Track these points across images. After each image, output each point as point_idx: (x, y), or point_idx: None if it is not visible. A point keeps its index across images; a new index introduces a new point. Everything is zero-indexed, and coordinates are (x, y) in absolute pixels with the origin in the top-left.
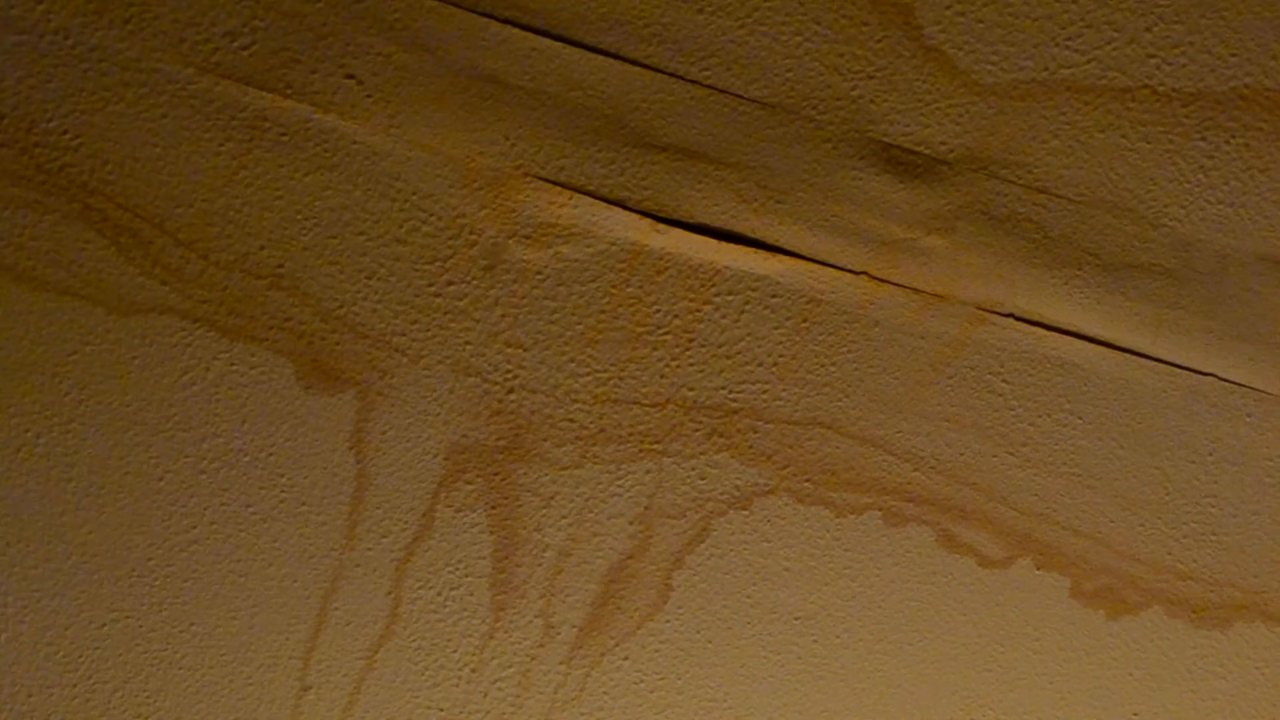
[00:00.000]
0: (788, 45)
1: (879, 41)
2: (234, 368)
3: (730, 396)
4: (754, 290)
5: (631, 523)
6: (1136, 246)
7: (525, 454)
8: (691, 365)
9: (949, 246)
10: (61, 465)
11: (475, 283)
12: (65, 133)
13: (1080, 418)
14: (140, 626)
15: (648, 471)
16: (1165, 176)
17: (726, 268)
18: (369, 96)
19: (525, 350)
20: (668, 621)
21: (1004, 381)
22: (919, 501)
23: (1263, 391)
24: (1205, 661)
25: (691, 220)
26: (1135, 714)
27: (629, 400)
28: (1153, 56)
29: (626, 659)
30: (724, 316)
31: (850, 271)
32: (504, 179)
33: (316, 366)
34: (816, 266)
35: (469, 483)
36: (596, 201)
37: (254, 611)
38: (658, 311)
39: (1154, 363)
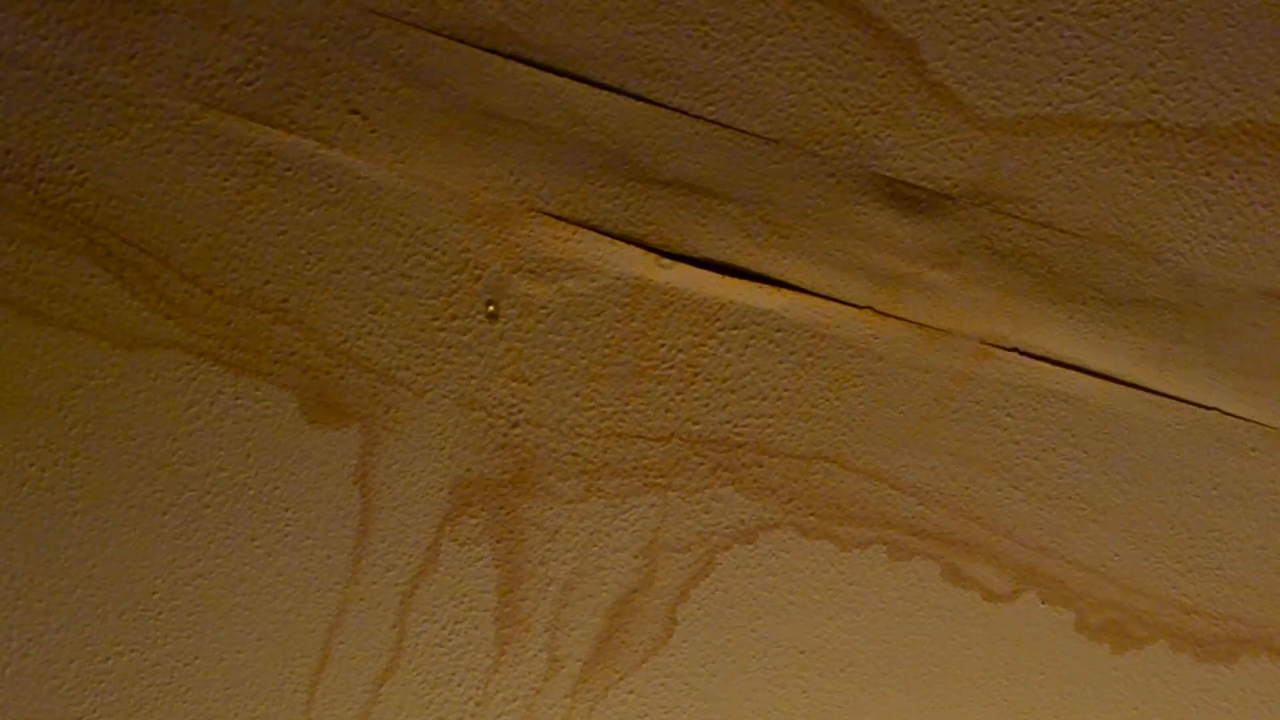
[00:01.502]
0: (792, 80)
1: (883, 77)
2: (239, 402)
3: (735, 431)
4: (758, 325)
5: (636, 556)
6: (1140, 281)
7: (530, 488)
8: (696, 399)
9: (953, 281)
10: (66, 499)
11: (479, 317)
12: (70, 168)
13: (1085, 452)
14: (145, 660)
15: (652, 505)
16: (1169, 211)
17: (731, 302)
18: (373, 132)
19: (530, 384)
20: (672, 655)
21: (1008, 416)
22: (924, 536)
23: (1267, 425)
24: (1210, 695)
25: (696, 255)
26: None
27: (634, 434)
28: (1156, 92)
29: (631, 693)
30: (728, 351)
31: (855, 306)
32: (508, 214)
33: (321, 401)
34: (821, 301)
35: (473, 516)
36: (601, 236)
37: (259, 645)
38: (662, 346)
39: (1158, 397)
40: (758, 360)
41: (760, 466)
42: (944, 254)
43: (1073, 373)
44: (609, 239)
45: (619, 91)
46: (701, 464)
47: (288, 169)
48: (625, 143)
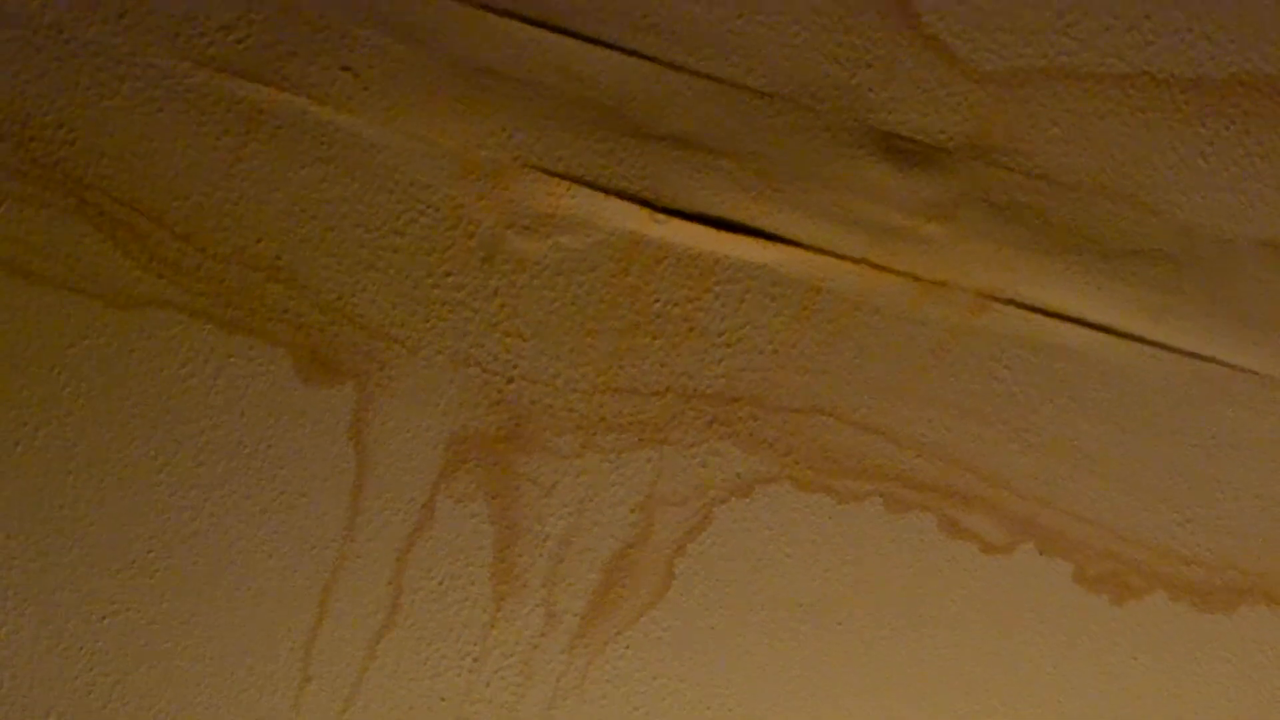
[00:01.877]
0: (785, 34)
1: (877, 30)
2: (232, 360)
3: (731, 385)
4: (754, 279)
5: (633, 511)
6: (1137, 233)
7: (525, 444)
8: (691, 354)
9: (949, 234)
10: (60, 459)
11: (474, 273)
12: (61, 127)
13: (1082, 403)
14: (141, 619)
15: (648, 460)
16: (1165, 163)
17: (726, 257)
18: (365, 89)
19: (525, 340)
20: (670, 610)
21: (1005, 368)
22: (921, 488)
23: (1265, 375)
24: (1210, 645)
25: (690, 210)
26: (1140, 698)
27: (629, 389)
28: (1152, 43)
29: (629, 647)
30: (724, 305)
31: (850, 259)
32: (502, 170)
33: (315, 358)
34: (816, 255)
35: (469, 473)
36: (595, 192)
37: (255, 603)
38: (657, 301)
39: (1155, 348)
40: (753, 315)
41: (756, 420)
42: (940, 207)
43: (1070, 325)
44: (603, 194)
45: (613, 47)
46: (697, 418)
47: (279, 127)
48: (619, 98)
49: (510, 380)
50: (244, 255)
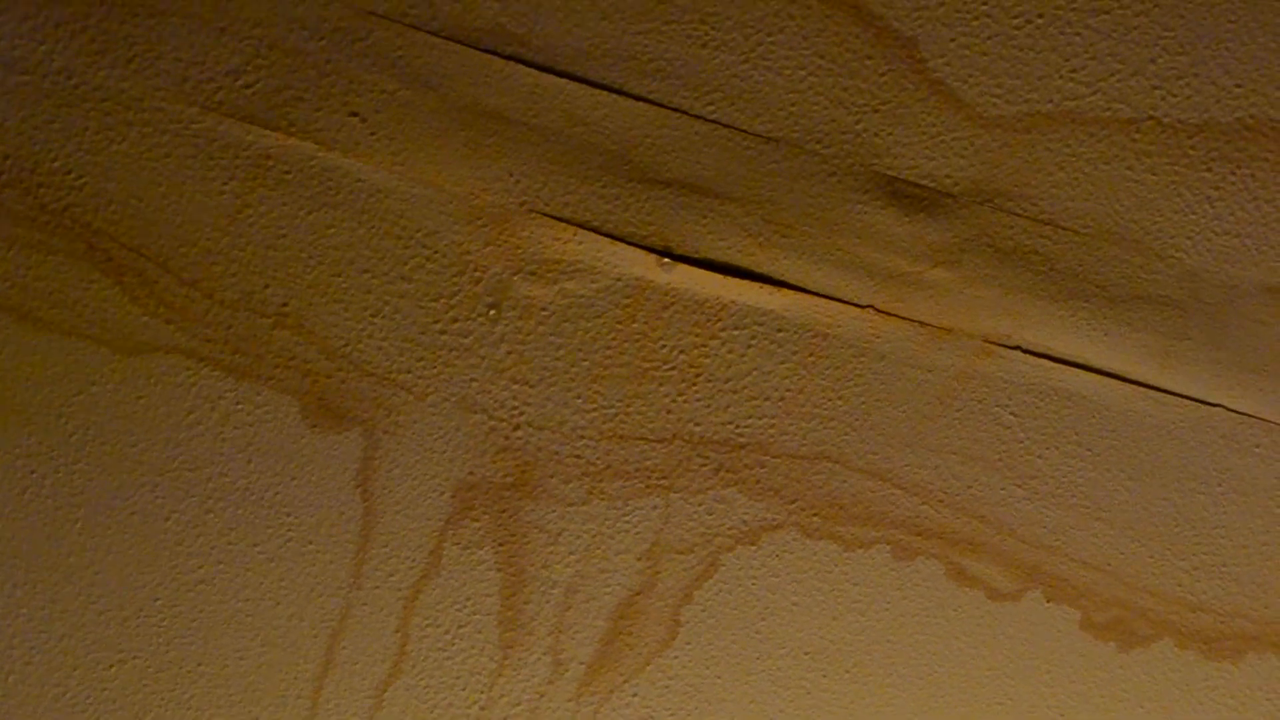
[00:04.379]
0: (792, 79)
1: (883, 75)
2: (239, 406)
3: (737, 431)
4: (760, 325)
5: (639, 559)
6: (1143, 278)
7: (532, 491)
8: (698, 400)
9: (955, 279)
10: (67, 506)
11: (480, 319)
12: (69, 172)
13: (1088, 449)
14: (148, 667)
15: (655, 507)
16: (1171, 208)
17: (732, 303)
18: (373, 134)
19: (531, 386)
20: (676, 658)
21: (1011, 414)
22: (927, 535)
23: (1271, 422)
24: (1217, 693)
25: (697, 255)
26: None
27: (635, 436)
28: (1158, 88)
29: (635, 695)
30: (730, 351)
31: (856, 305)
32: (508, 215)
33: (322, 405)
34: (822, 301)
35: (476, 520)
36: (601, 237)
37: (262, 651)
38: (663, 347)
39: (1161, 394)
40: (759, 361)
41: (763, 467)
42: (946, 252)
43: (1076, 370)
44: (609, 240)
45: (618, 92)
46: (704, 465)
47: (287, 172)
48: (625, 143)
49: (516, 427)
50: (250, 301)
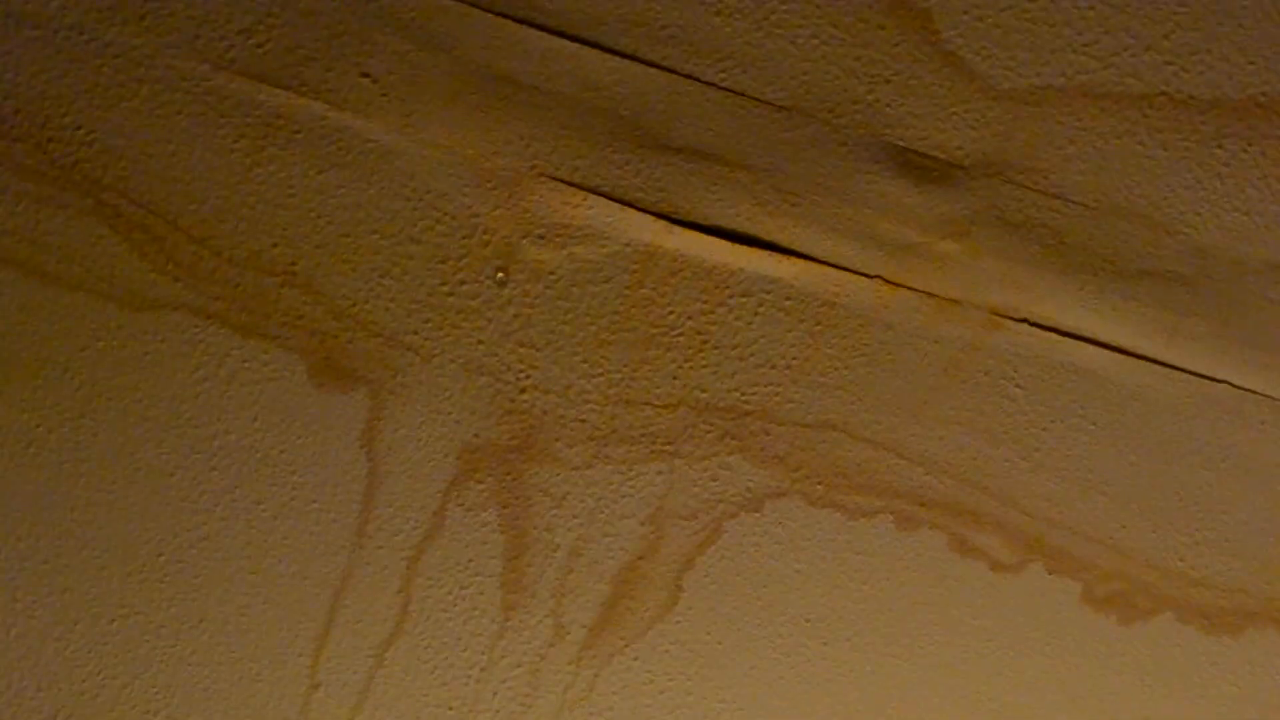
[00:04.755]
0: (804, 48)
1: (896, 45)
2: (246, 365)
3: (743, 399)
4: (768, 293)
5: (642, 524)
6: (1151, 253)
7: (537, 454)
8: (704, 367)
9: (964, 251)
10: (72, 460)
11: (488, 283)
12: (79, 128)
13: (1094, 423)
14: (150, 622)
15: (659, 473)
16: (1181, 183)
17: (741, 270)
18: (384, 95)
19: (538, 350)
20: (678, 622)
21: (1018, 386)
22: (931, 505)
23: (1276, 399)
24: (1217, 668)
25: (706, 222)
26: (1146, 719)
27: (641, 401)
28: (1170, 63)
29: (636, 659)
30: (737, 319)
31: (865, 275)
32: (518, 179)
33: (329, 364)
34: (831, 270)
35: (480, 482)
36: (611, 202)
37: (264, 609)
38: (671, 313)
39: (1168, 369)
40: (766, 328)
41: (768, 435)
42: (955, 224)
43: (1083, 344)
44: (619, 205)
45: (630, 57)
46: (709, 432)
47: (297, 131)
48: (636, 109)
49: (522, 390)
50: (259, 260)
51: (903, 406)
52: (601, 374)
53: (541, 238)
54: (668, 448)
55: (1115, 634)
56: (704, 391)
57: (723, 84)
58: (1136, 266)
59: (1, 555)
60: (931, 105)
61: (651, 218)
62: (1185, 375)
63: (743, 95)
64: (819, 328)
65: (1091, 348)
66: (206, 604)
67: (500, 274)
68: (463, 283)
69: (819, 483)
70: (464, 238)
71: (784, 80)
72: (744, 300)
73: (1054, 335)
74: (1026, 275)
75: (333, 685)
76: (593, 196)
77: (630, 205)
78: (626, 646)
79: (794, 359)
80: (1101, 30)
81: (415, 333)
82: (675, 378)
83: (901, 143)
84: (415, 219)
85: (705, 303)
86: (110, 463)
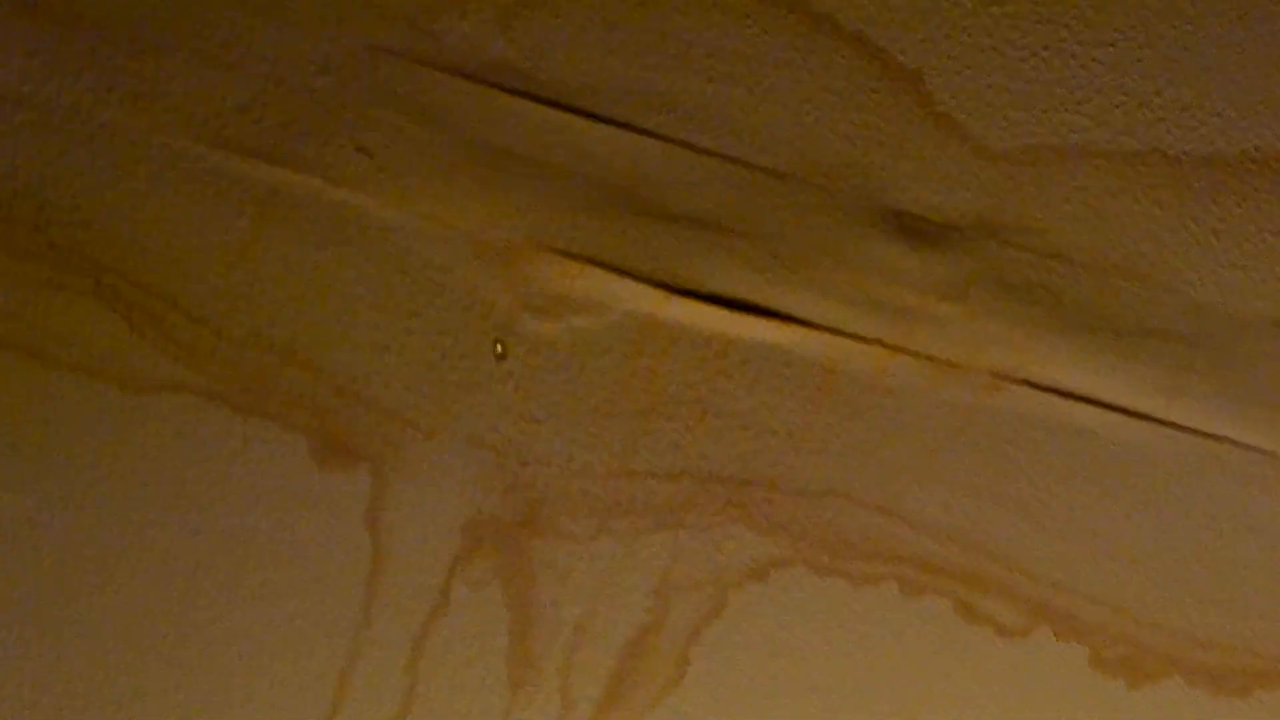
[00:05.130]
0: (798, 113)
1: (889, 109)
2: (248, 445)
3: (745, 467)
4: (767, 360)
5: (648, 596)
6: (1150, 312)
7: (541, 528)
8: (706, 436)
9: (962, 314)
10: (74, 545)
11: (488, 356)
12: (77, 209)
13: (1096, 484)
14: (156, 708)
15: (663, 544)
16: (1177, 241)
17: (739, 338)
18: (380, 170)
19: (539, 423)
20: (685, 695)
21: (1019, 449)
22: (935, 571)
23: (1279, 455)
24: None
25: (704, 290)
26: None
27: (644, 472)
28: (1163, 120)
29: None
30: (737, 387)
31: (864, 340)
32: (516, 251)
33: (331, 442)
34: (830, 335)
35: (485, 558)
36: (609, 272)
37: (271, 691)
38: (671, 383)
39: (1169, 428)
40: (767, 396)
41: (771, 503)
42: (952, 286)
43: (1083, 405)
44: (617, 275)
45: (625, 127)
46: (712, 501)
47: (294, 208)
48: (632, 178)
49: (525, 464)
50: (259, 338)
51: (905, 471)
52: (603, 446)
53: (540, 309)
54: (672, 518)
55: (1124, 698)
56: (706, 461)
57: (717, 151)
58: (1135, 325)
59: (6, 643)
60: (926, 168)
61: (649, 287)
62: (1187, 433)
63: (737, 162)
64: (819, 394)
65: (1092, 408)
66: (212, 686)
67: (500, 347)
68: (463, 356)
69: (823, 550)
70: (463, 311)
71: (779, 146)
72: (743, 368)
73: (1054, 396)
74: (1025, 336)
75: None
76: (590, 267)
77: (628, 275)
78: None
79: (795, 426)
80: (1094, 89)
81: (416, 408)
82: (677, 448)
83: (897, 206)
84: (414, 293)
85: (705, 371)
86: (113, 546)
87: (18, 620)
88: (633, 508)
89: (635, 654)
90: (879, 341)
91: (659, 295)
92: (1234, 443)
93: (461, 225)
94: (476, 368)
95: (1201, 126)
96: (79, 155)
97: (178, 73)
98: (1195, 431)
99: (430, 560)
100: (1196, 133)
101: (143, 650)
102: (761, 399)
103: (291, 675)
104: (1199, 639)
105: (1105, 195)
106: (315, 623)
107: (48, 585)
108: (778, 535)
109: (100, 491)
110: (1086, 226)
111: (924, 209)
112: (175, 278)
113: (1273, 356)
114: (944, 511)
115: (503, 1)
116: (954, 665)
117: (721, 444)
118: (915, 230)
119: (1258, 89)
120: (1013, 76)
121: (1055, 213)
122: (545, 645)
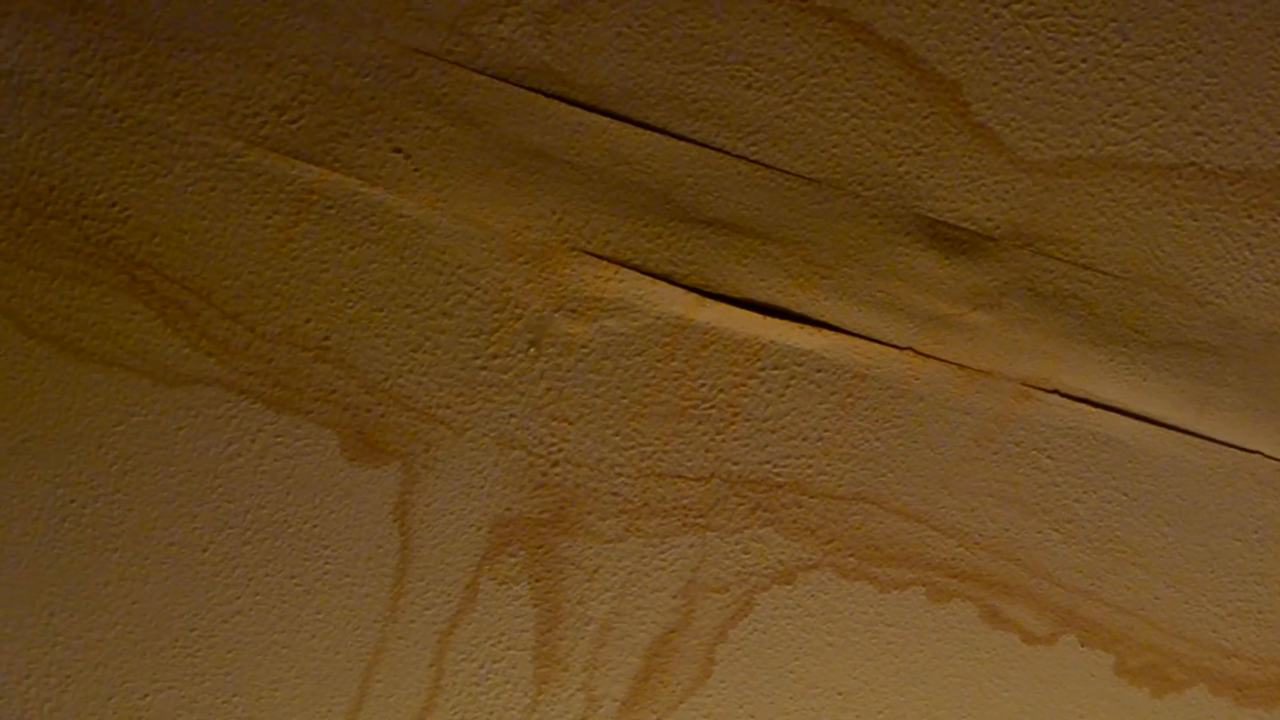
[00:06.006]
0: (835, 121)
1: (926, 118)
2: (279, 440)
3: (775, 471)
4: (799, 365)
5: (675, 597)
6: (1182, 323)
7: (569, 527)
8: (736, 440)
9: (995, 323)
10: (106, 536)
11: (520, 356)
12: (114, 205)
13: (1125, 494)
14: (183, 698)
15: (691, 546)
16: (1211, 254)
17: (772, 342)
18: (416, 170)
19: (570, 424)
20: (710, 696)
21: (1049, 458)
22: (963, 577)
23: None
24: None
25: (737, 295)
26: None
27: (673, 474)
28: (1200, 134)
29: None
30: (769, 391)
31: (896, 347)
32: (550, 253)
33: (361, 439)
34: (862, 342)
35: (512, 555)
36: (642, 276)
37: (297, 683)
38: (703, 386)
39: (1199, 440)
40: (798, 401)
41: (799, 507)
42: (985, 295)
43: (1114, 415)
44: (650, 278)
45: (662, 131)
46: (741, 504)
47: (330, 207)
48: (667, 182)
49: (555, 463)
50: (292, 335)
51: (934, 478)
52: (633, 447)
53: (573, 311)
54: (699, 520)
55: (1148, 706)
56: (736, 464)
57: (753, 157)
58: (1167, 337)
59: (35, 631)
60: (961, 177)
61: (683, 291)
62: (1217, 445)
63: (773, 168)
64: (850, 400)
65: (1123, 418)
66: (239, 679)
67: (532, 348)
68: (495, 356)
69: (851, 555)
70: (496, 311)
71: (814, 153)
72: (775, 373)
73: (1085, 406)
74: (1057, 346)
75: None
76: (624, 270)
77: (661, 278)
78: None
79: (825, 431)
80: (1130, 101)
81: (448, 406)
82: (707, 450)
83: (932, 215)
84: (448, 293)
85: (736, 375)
86: (143, 538)
87: (47, 608)
88: (661, 509)
89: (661, 653)
90: (911, 349)
91: (692, 299)
92: (1264, 455)
93: (496, 226)
94: (508, 367)
95: (1238, 141)
96: (117, 151)
97: (217, 71)
98: (1225, 443)
99: (458, 557)
100: (1233, 147)
101: (170, 640)
102: (792, 404)
103: (318, 668)
104: (1225, 649)
105: (1140, 207)
106: (342, 616)
107: (78, 574)
108: (805, 539)
109: (131, 483)
110: (1120, 238)
111: (959, 218)
112: (210, 274)
113: None
114: (972, 518)
115: (541, 6)
116: (979, 671)
117: (751, 447)
118: (949, 239)
119: None
120: (1050, 88)
121: (1089, 224)
122: (571, 643)
